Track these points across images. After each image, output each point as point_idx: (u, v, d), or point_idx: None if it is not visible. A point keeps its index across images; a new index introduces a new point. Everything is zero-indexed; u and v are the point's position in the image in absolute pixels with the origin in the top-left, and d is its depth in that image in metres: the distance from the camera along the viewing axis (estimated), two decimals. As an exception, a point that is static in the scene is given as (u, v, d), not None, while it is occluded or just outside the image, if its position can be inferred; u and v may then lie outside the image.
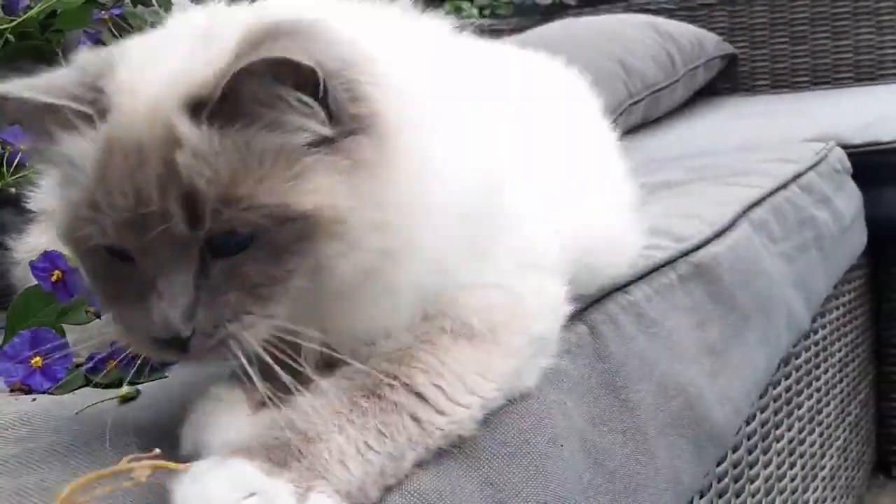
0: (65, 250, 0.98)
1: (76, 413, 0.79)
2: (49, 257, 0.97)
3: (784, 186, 1.60)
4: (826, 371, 1.82)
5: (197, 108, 0.59)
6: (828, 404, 1.84)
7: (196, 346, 0.60)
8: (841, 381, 1.94)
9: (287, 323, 0.62)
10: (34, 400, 0.87)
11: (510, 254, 0.72)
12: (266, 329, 0.61)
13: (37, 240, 1.22)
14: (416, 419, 0.63)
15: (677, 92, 2.92)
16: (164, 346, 0.61)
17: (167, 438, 0.69)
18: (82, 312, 1.00)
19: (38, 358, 0.92)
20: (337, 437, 0.59)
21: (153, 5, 1.66)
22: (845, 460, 1.97)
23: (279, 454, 0.58)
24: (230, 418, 0.65)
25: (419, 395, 0.63)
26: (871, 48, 3.08)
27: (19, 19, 1.37)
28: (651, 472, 0.87)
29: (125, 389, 0.85)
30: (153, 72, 0.62)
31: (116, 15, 1.57)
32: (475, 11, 3.72)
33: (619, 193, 1.00)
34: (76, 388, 0.92)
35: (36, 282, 1.00)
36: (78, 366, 0.94)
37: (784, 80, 3.17)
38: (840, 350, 1.93)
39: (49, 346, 0.93)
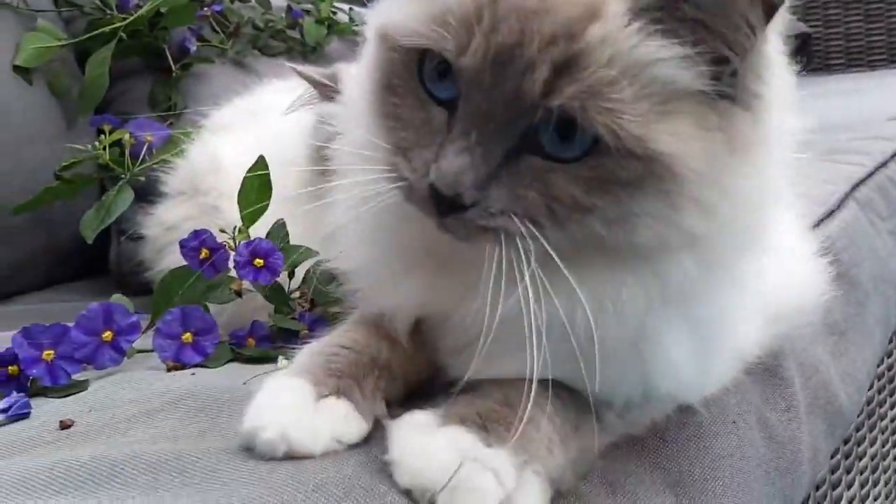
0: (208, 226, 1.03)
1: (243, 383, 0.81)
2: (198, 236, 1.00)
3: (884, 164, 1.59)
4: None
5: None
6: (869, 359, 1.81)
7: (466, 220, 0.57)
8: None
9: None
10: (193, 374, 0.90)
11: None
12: (536, 250, 0.56)
13: (166, 214, 1.26)
14: (601, 421, 0.65)
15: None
16: (436, 201, 0.56)
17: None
18: (226, 290, 1.04)
19: (188, 334, 0.96)
20: (545, 425, 0.60)
21: (250, 1, 1.70)
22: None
23: (495, 428, 0.58)
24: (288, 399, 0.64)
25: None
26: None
27: (132, 17, 1.41)
28: (804, 449, 0.87)
29: (283, 363, 0.89)
30: None
31: (217, 11, 1.62)
32: None
33: (803, 237, 0.94)
34: (224, 363, 0.96)
35: (179, 261, 1.04)
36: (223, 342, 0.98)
37: (860, 59, 3.12)
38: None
39: (198, 323, 0.96)
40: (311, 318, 1.03)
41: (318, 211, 1.10)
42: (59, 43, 1.39)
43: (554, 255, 0.56)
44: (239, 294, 1.05)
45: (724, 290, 0.66)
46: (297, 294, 1.05)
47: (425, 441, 0.57)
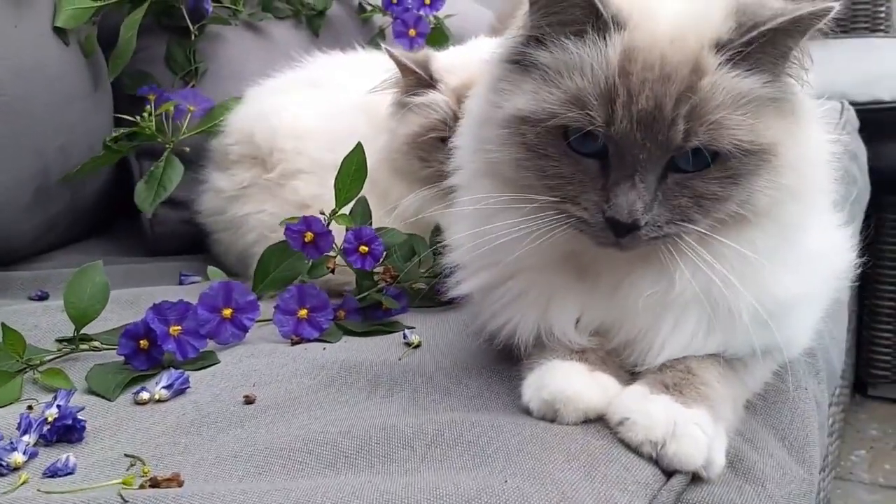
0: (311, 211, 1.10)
1: (399, 359, 0.91)
2: (306, 221, 1.08)
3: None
4: (841, 306, 2.07)
5: (719, 46, 0.72)
6: (846, 324, 2.10)
7: (642, 235, 0.72)
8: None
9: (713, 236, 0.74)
10: (325, 349, 0.99)
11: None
12: (696, 232, 0.74)
13: (223, 182, 1.32)
14: (744, 383, 0.83)
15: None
16: (616, 227, 0.72)
17: (452, 377, 0.86)
18: (323, 268, 1.12)
19: (304, 310, 1.04)
20: (719, 387, 0.77)
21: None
22: (844, 380, 2.25)
23: (688, 392, 0.75)
24: (574, 376, 0.78)
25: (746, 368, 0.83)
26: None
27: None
28: (825, 408, 1.06)
29: (415, 339, 0.99)
30: (669, 5, 0.76)
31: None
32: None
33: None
34: (341, 337, 1.04)
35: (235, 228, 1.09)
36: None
37: (844, 25, 3.36)
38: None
39: (314, 301, 1.05)
40: (394, 291, 1.13)
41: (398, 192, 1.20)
42: (96, 4, 1.38)
43: (710, 234, 0.75)
44: (332, 271, 1.13)
45: (813, 237, 0.85)
46: (380, 269, 1.14)
47: (648, 407, 0.73)
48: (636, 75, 0.72)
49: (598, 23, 0.73)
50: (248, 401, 0.85)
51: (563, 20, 0.74)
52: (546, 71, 0.75)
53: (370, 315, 1.11)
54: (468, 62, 1.17)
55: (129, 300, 1.18)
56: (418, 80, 1.18)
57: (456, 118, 1.14)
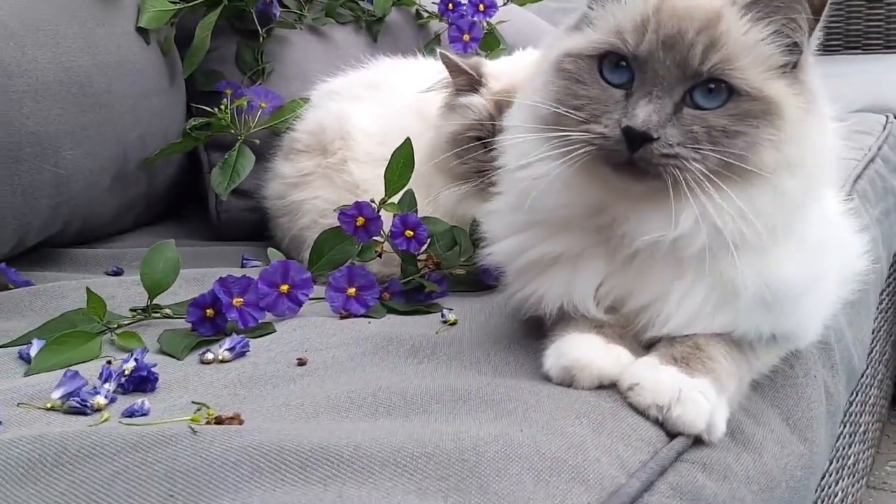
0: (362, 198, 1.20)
1: (435, 333, 1.01)
2: (359, 207, 1.18)
3: (873, 160, 1.85)
4: (877, 315, 2.11)
5: (735, 3, 0.85)
6: (875, 343, 2.13)
7: (654, 148, 0.80)
8: (883, 323, 2.24)
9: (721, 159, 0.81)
10: (370, 323, 1.09)
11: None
12: (702, 169, 0.81)
13: (288, 168, 1.43)
14: (749, 363, 0.90)
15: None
16: (632, 137, 0.80)
17: (483, 349, 0.95)
18: (372, 251, 1.22)
19: (353, 289, 1.14)
20: (724, 362, 0.85)
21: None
22: (881, 391, 2.28)
23: (695, 364, 0.83)
24: (591, 346, 0.87)
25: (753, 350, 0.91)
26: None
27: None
28: (839, 400, 1.13)
29: (452, 317, 1.08)
30: None
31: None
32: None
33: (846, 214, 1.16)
34: (384, 314, 1.14)
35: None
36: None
37: (856, 42, 3.40)
38: (885, 298, 2.22)
39: (361, 281, 1.15)
40: (436, 276, 1.22)
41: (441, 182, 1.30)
42: (176, 7, 1.50)
43: (713, 176, 0.82)
44: (380, 255, 1.23)
45: (819, 227, 0.92)
46: (423, 257, 1.23)
47: (656, 375, 0.82)
48: (666, 12, 0.84)
49: None
50: (301, 363, 0.95)
51: None
52: (595, 23, 0.88)
53: (413, 297, 1.20)
54: (511, 70, 1.26)
55: (196, 277, 1.29)
56: (468, 81, 1.27)
57: (492, 119, 1.23)
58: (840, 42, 3.43)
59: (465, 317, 1.09)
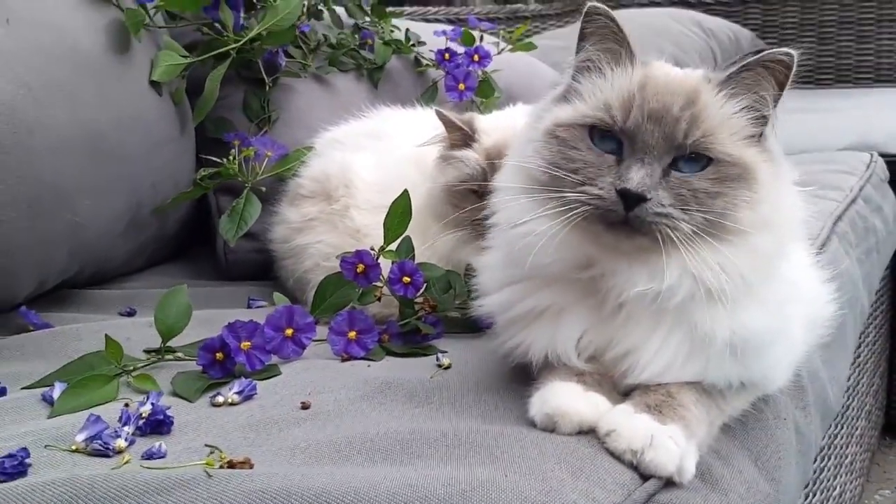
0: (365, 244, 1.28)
1: (430, 378, 1.08)
2: (359, 255, 1.26)
3: (854, 200, 1.93)
4: (863, 350, 2.17)
5: (710, 82, 0.95)
6: (862, 377, 2.20)
7: (648, 208, 0.89)
8: (870, 356, 2.31)
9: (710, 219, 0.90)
10: (369, 366, 1.16)
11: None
12: (689, 228, 0.90)
13: (293, 214, 1.51)
14: (720, 408, 0.98)
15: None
16: (628, 197, 0.89)
17: (474, 394, 1.02)
18: (372, 295, 1.30)
19: (353, 332, 1.22)
20: (694, 409, 0.92)
21: (324, 19, 1.92)
22: (869, 422, 2.34)
23: (667, 411, 0.90)
24: (571, 394, 0.94)
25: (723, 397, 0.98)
26: (892, 52, 3.43)
27: (245, 38, 1.62)
28: (812, 440, 1.20)
29: (446, 361, 1.15)
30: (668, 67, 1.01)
31: (303, 31, 1.84)
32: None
33: (814, 263, 1.24)
34: (383, 357, 1.22)
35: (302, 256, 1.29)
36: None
37: (809, 77, 3.50)
38: (872, 332, 2.28)
39: (361, 325, 1.22)
40: (432, 319, 1.30)
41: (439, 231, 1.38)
42: (186, 61, 1.59)
43: (697, 234, 0.91)
44: (379, 299, 1.31)
45: (785, 282, 1.00)
46: (420, 300, 1.31)
47: (631, 422, 0.89)
48: (650, 89, 0.94)
49: (627, 52, 0.96)
50: (305, 406, 1.02)
51: (607, 48, 0.97)
52: (582, 94, 0.97)
53: (410, 339, 1.28)
54: (501, 126, 1.35)
55: (206, 319, 1.36)
56: (462, 136, 1.36)
57: (484, 173, 1.32)
58: (832, 76, 3.53)
59: (458, 359, 1.17)
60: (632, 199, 0.90)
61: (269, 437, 0.93)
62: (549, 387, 0.94)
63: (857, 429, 2.15)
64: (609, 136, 0.94)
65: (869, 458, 2.48)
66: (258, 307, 1.50)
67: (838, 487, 1.97)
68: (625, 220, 0.91)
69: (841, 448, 2.00)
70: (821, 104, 3.07)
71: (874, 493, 2.49)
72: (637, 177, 0.90)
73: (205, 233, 1.78)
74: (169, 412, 0.98)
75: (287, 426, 0.97)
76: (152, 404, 0.99)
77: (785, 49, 0.93)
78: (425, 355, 1.22)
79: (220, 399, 1.06)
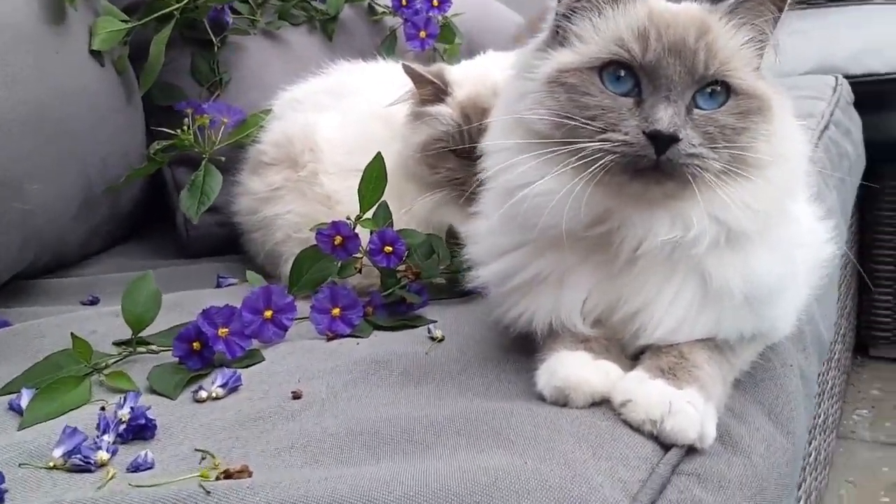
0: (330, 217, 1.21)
1: (426, 353, 1.03)
2: (336, 226, 1.19)
3: (827, 127, 1.89)
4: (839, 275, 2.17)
5: (714, 12, 0.90)
6: (836, 299, 2.20)
7: (680, 149, 0.83)
8: (843, 279, 2.31)
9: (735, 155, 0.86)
10: (358, 344, 1.10)
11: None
12: (719, 167, 0.86)
13: (257, 184, 1.42)
14: (731, 363, 0.94)
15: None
16: (658, 141, 0.83)
17: (475, 368, 0.97)
18: (352, 268, 1.23)
19: (337, 309, 1.15)
20: (709, 368, 0.88)
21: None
22: (844, 345, 2.36)
23: (682, 374, 0.86)
24: (580, 364, 0.89)
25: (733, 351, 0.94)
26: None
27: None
28: (813, 380, 1.17)
29: (439, 333, 1.10)
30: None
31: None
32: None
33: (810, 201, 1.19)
34: (370, 332, 1.16)
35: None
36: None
37: None
38: (843, 254, 2.28)
39: (345, 300, 1.16)
40: (417, 287, 1.24)
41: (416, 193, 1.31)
42: (127, 26, 1.48)
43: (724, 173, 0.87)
44: (360, 271, 1.24)
45: (792, 222, 0.96)
46: (402, 268, 1.24)
47: (646, 390, 0.84)
48: (661, 22, 0.87)
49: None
50: (296, 396, 0.96)
51: None
52: (582, 36, 0.90)
53: (395, 310, 1.22)
54: (473, 76, 1.27)
55: (175, 303, 1.29)
56: (434, 91, 1.28)
57: (460, 129, 1.24)
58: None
59: (450, 330, 1.11)
60: (663, 142, 0.83)
61: (262, 435, 0.87)
62: (555, 357, 0.89)
63: (835, 353, 2.16)
64: (623, 77, 0.87)
65: (845, 380, 2.51)
66: (229, 286, 1.42)
67: (822, 415, 1.98)
68: (655, 164, 0.84)
69: (823, 376, 2.00)
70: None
71: (851, 413, 2.53)
72: (666, 116, 0.83)
73: (162, 208, 1.68)
74: (150, 414, 0.92)
75: (280, 420, 0.90)
76: (131, 408, 0.92)
77: None
78: (415, 327, 1.17)
79: (204, 394, 0.99)
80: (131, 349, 1.12)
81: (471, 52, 1.92)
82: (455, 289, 1.27)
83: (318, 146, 1.39)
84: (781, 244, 0.93)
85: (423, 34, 1.71)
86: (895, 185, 2.49)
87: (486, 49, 1.87)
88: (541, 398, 0.88)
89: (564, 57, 0.90)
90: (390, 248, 1.20)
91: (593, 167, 0.84)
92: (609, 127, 0.85)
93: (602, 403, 0.86)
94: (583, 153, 0.85)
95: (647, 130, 0.83)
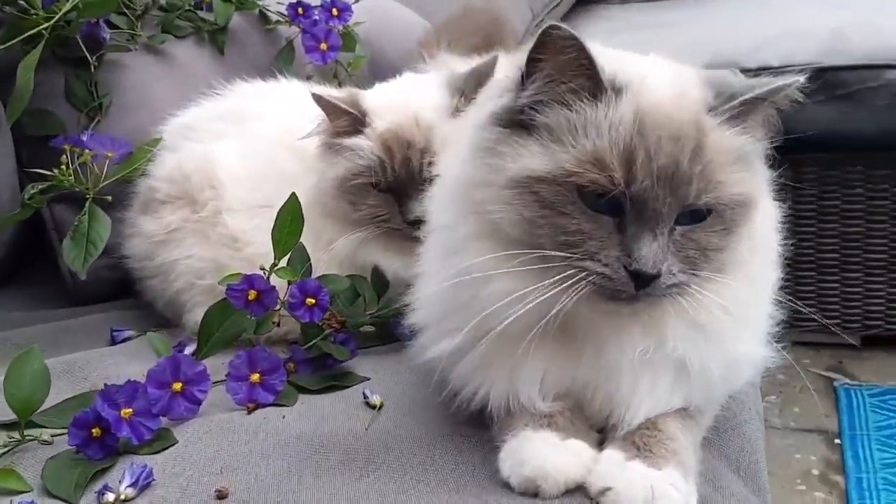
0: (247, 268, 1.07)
1: (366, 429, 0.92)
2: (248, 280, 1.06)
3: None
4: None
5: (710, 109, 0.78)
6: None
7: (660, 283, 0.76)
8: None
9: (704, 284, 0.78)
10: (284, 417, 0.98)
11: None
12: (697, 287, 0.78)
13: (153, 225, 1.27)
14: (700, 426, 0.88)
15: (561, 6, 3.06)
16: (639, 279, 0.75)
17: (422, 446, 0.87)
18: (270, 323, 1.10)
19: (256, 375, 1.03)
20: (682, 438, 0.82)
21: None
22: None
23: (657, 449, 0.80)
24: (550, 449, 0.80)
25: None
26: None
27: (57, 15, 1.34)
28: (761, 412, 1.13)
29: (377, 400, 0.99)
30: (655, 74, 0.81)
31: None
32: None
33: None
34: (295, 399, 1.03)
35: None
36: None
37: None
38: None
39: (265, 364, 1.03)
40: (342, 337, 1.12)
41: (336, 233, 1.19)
42: (-11, 50, 1.29)
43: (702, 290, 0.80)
44: (278, 324, 1.12)
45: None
46: (325, 315, 1.13)
47: (626, 475, 0.77)
48: (652, 135, 0.76)
49: (599, 88, 0.77)
50: (221, 495, 0.84)
51: (571, 87, 0.77)
52: (553, 131, 0.78)
53: (320, 365, 1.10)
54: (395, 105, 1.16)
55: (64, 369, 1.14)
56: (351, 121, 1.16)
57: (382, 164, 1.13)
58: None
59: (387, 391, 1.01)
60: (645, 280, 0.76)
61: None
62: (519, 439, 0.81)
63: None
64: (604, 199, 0.76)
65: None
66: (124, 340, 1.27)
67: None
68: (634, 297, 0.77)
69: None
70: (672, 17, 3.00)
71: (761, 400, 2.56)
72: (650, 253, 0.75)
73: (43, 249, 1.49)
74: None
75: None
76: (27, 528, 0.78)
77: (795, 77, 0.79)
78: (346, 387, 1.05)
79: (111, 496, 0.86)
80: (20, 438, 0.96)
81: (373, 62, 1.82)
82: (383, 334, 1.17)
83: (219, 181, 1.25)
84: (758, 315, 0.88)
85: (323, 46, 1.57)
86: (813, 175, 2.49)
87: (389, 56, 1.77)
88: (506, 486, 0.79)
89: (533, 160, 0.78)
90: (313, 300, 1.07)
91: (565, 287, 0.76)
92: (588, 256, 0.76)
93: (575, 490, 0.78)
94: (555, 272, 0.76)
95: (630, 268, 0.76)
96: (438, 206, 0.88)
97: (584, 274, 0.76)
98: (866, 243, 2.56)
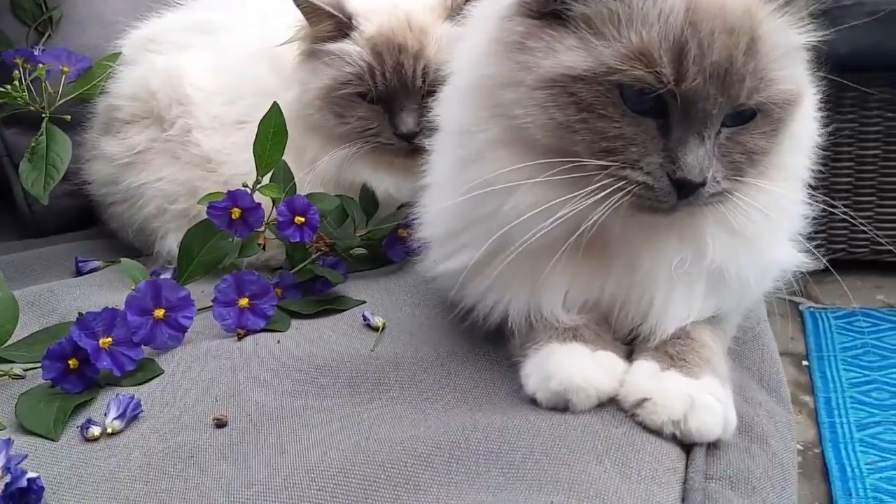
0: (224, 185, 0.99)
1: (371, 350, 0.86)
2: (232, 196, 0.97)
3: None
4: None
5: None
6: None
7: (704, 192, 0.69)
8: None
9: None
10: (279, 342, 0.91)
11: None
12: (740, 194, 0.72)
13: (117, 147, 1.17)
14: (727, 334, 0.84)
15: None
16: (683, 188, 0.68)
17: (435, 366, 0.81)
18: (255, 245, 1.03)
19: (244, 300, 0.95)
20: (713, 345, 0.78)
21: None
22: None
23: (691, 359, 0.75)
24: (579, 361, 0.75)
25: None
26: None
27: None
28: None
29: (379, 321, 0.92)
30: None
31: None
32: None
33: None
34: (288, 324, 0.96)
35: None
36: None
37: None
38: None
39: (253, 287, 0.96)
40: (331, 261, 1.05)
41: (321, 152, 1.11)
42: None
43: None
44: (264, 247, 1.04)
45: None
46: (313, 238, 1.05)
47: (663, 386, 0.73)
48: (705, 26, 0.67)
49: None
50: (220, 423, 0.77)
51: None
52: (593, 23, 0.69)
53: (310, 290, 1.03)
54: (382, 7, 1.07)
55: (31, 301, 1.05)
56: (336, 25, 1.06)
57: (372, 71, 1.05)
58: None
59: (387, 314, 0.94)
60: (689, 189, 0.69)
61: (189, 488, 0.68)
62: (544, 353, 0.75)
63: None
64: (649, 97, 0.68)
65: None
66: (91, 271, 1.18)
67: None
68: (674, 207, 0.71)
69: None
70: None
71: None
72: (696, 161, 0.68)
73: (-4, 177, 1.38)
74: (29, 465, 0.70)
75: (207, 462, 0.72)
76: (7, 469, 0.70)
77: None
78: (341, 310, 0.99)
79: (96, 430, 0.78)
80: (-10, 375, 0.88)
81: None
82: (375, 258, 1.10)
83: (187, 97, 1.15)
84: (792, 221, 0.82)
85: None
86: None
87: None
88: (532, 402, 0.74)
89: (570, 56, 0.69)
90: (302, 219, 1.00)
91: (601, 198, 0.69)
92: (629, 163, 0.69)
93: (608, 405, 0.73)
94: (590, 182, 0.69)
95: (675, 177, 0.69)
96: (452, 108, 0.80)
97: (622, 183, 0.69)
98: (831, 167, 2.55)
